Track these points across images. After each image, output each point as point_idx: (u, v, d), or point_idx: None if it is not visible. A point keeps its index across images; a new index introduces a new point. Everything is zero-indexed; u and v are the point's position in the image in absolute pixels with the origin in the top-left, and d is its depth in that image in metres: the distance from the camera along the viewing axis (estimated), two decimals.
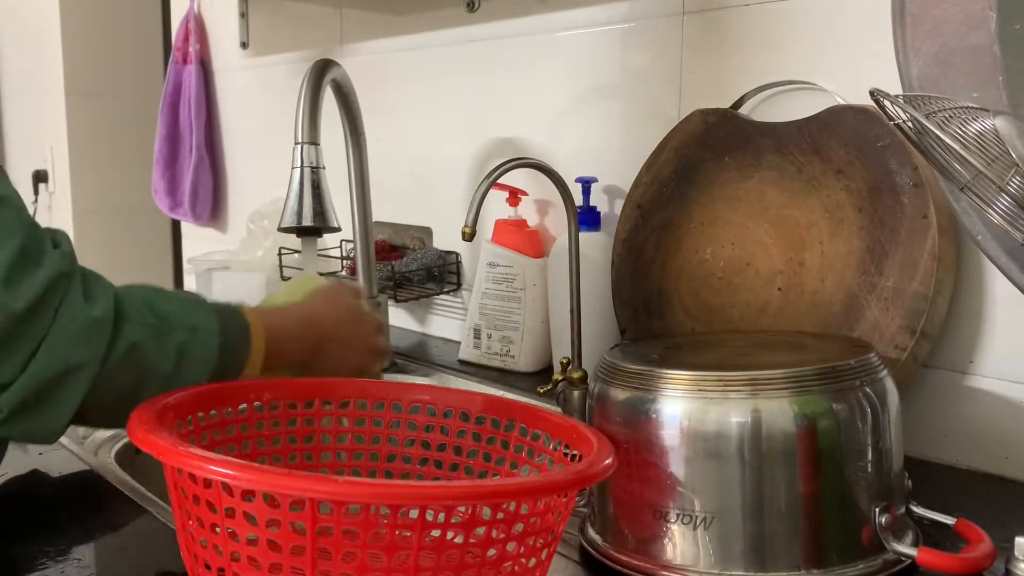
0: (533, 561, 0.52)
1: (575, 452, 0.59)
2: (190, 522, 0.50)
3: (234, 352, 0.71)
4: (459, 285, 1.37)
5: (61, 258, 0.63)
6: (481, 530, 0.48)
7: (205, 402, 0.62)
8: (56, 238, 0.66)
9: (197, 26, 1.87)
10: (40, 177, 2.53)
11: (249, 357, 0.72)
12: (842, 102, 0.90)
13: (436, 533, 0.47)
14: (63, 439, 0.89)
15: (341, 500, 0.45)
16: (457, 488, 0.49)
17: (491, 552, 0.49)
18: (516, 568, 0.51)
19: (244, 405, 0.65)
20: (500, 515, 0.48)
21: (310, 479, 0.46)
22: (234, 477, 0.45)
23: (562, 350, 1.10)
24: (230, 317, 0.72)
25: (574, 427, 0.61)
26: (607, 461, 0.52)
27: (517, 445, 0.65)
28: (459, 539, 0.47)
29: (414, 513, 0.46)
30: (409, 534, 0.46)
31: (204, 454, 0.46)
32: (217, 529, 0.48)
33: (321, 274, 1.40)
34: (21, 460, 0.85)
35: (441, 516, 0.46)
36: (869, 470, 0.62)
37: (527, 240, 1.19)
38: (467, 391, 0.82)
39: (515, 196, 1.21)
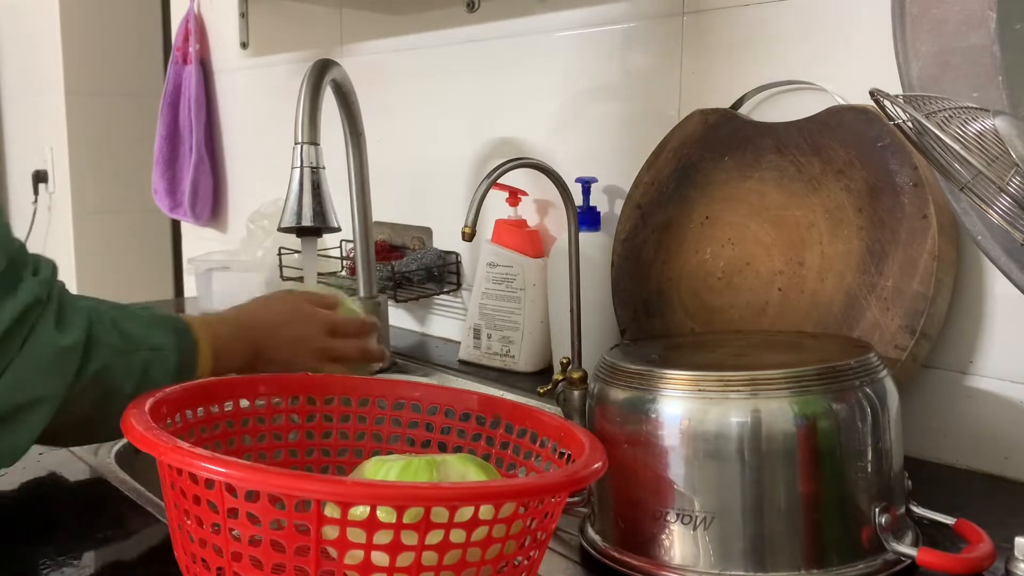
0: (526, 560, 0.52)
1: (563, 451, 0.59)
2: (188, 521, 0.50)
3: (187, 367, 0.73)
4: (459, 285, 1.37)
5: (38, 286, 0.63)
6: (482, 530, 0.48)
7: (195, 398, 0.62)
8: (38, 264, 0.66)
9: (197, 26, 1.87)
10: (40, 177, 2.53)
11: (197, 370, 0.74)
12: (842, 102, 0.90)
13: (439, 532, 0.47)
14: None
15: (346, 501, 0.45)
16: (460, 489, 0.49)
17: (491, 552, 0.49)
18: (508, 567, 0.51)
19: (230, 402, 0.65)
20: (500, 515, 0.48)
21: (314, 480, 0.46)
22: (238, 478, 0.45)
23: (562, 350, 1.10)
24: (182, 333, 0.74)
25: (563, 426, 0.60)
26: (597, 464, 0.52)
27: (503, 442, 0.65)
28: (460, 538, 0.47)
29: (418, 513, 0.46)
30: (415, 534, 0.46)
31: (206, 454, 0.46)
32: (217, 528, 0.48)
33: (321, 275, 1.40)
34: (20, 459, 0.85)
35: (444, 516, 0.46)
36: (869, 470, 0.62)
37: (527, 240, 1.19)
38: (455, 388, 0.82)
39: (515, 196, 1.21)
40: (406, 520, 0.45)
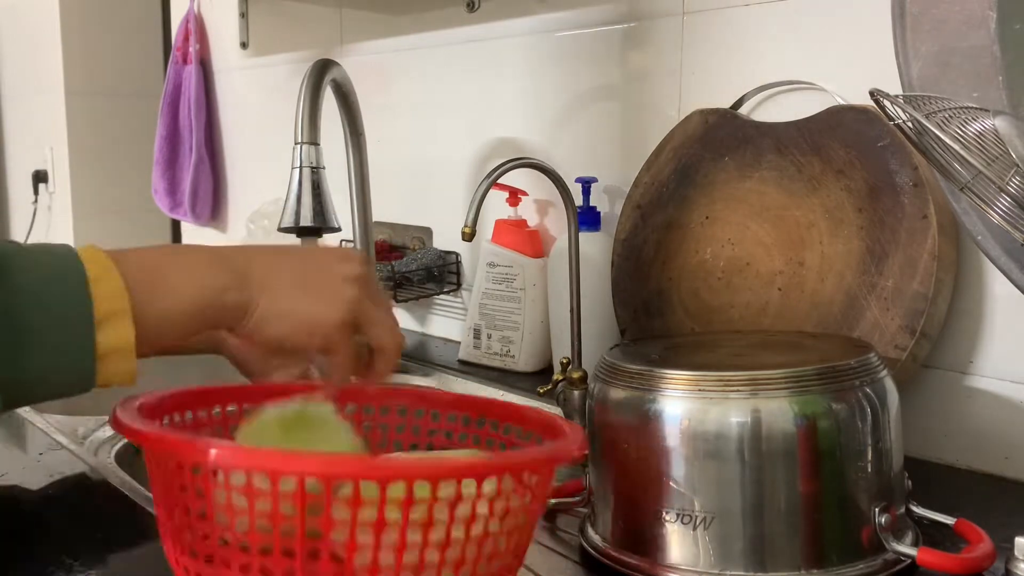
0: (510, 543, 0.52)
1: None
2: (176, 510, 0.50)
3: (62, 302, 0.49)
4: (459, 285, 1.37)
5: None
6: (465, 507, 0.47)
7: (183, 403, 0.62)
8: None
9: (197, 26, 1.87)
10: (40, 177, 2.53)
11: (92, 308, 0.49)
12: (842, 102, 0.90)
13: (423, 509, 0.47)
14: (62, 438, 0.89)
15: (329, 476, 0.45)
16: (444, 464, 0.49)
17: (475, 531, 0.49)
18: (495, 547, 0.51)
19: (218, 408, 0.64)
20: (485, 492, 0.47)
21: (297, 456, 0.46)
22: (220, 456, 0.45)
23: (562, 350, 1.10)
24: (59, 257, 0.51)
25: (551, 420, 0.60)
26: (578, 443, 0.52)
27: (489, 440, 0.64)
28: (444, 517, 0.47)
29: (400, 491, 0.45)
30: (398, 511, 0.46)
31: (189, 437, 0.46)
32: (203, 515, 0.48)
33: None
34: (20, 460, 0.85)
35: (427, 493, 0.46)
36: (869, 470, 0.62)
37: (527, 240, 1.19)
38: (439, 391, 0.81)
39: (515, 196, 1.21)
40: (390, 495, 0.45)
